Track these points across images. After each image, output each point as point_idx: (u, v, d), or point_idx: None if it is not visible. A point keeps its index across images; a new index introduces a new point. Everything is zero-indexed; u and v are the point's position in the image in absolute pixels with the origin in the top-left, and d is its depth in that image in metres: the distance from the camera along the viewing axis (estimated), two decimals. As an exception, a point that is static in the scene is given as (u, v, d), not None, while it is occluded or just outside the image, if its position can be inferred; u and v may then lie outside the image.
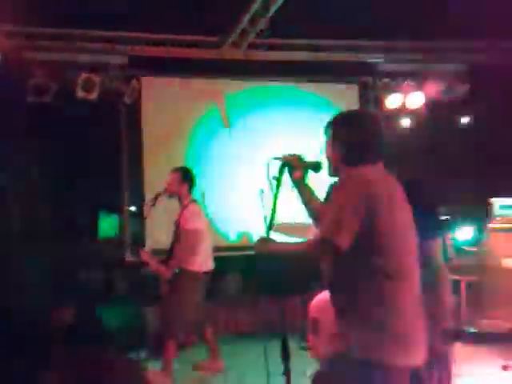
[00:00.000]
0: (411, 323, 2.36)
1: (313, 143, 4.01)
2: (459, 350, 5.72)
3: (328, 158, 2.58)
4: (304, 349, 3.71)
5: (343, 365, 2.36)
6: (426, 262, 2.94)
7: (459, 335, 3.31)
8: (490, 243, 6.86)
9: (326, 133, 2.60)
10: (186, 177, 5.31)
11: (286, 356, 2.65)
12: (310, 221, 2.74)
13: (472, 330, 6.39)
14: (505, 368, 5.23)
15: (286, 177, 2.73)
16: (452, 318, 3.28)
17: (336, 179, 2.57)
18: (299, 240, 2.66)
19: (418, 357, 2.37)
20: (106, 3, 5.72)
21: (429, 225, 3.01)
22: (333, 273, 2.45)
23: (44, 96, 6.66)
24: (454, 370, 3.35)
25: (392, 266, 2.32)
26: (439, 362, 3.25)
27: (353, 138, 2.48)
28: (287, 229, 5.45)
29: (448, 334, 3.19)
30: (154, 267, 5.23)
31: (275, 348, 2.71)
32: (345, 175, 2.48)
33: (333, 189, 2.55)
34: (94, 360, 2.39)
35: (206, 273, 5.28)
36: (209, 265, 5.33)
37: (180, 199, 5.30)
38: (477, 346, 6.06)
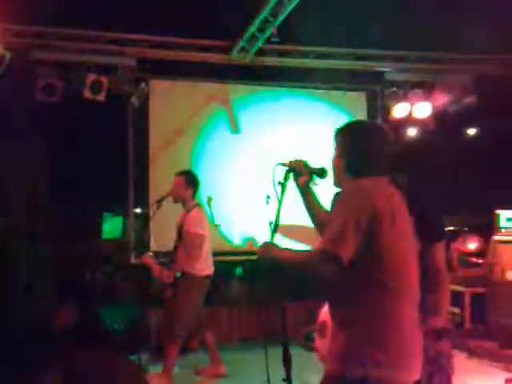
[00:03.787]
0: (410, 337, 2.34)
1: (320, 149, 3.99)
2: (462, 363, 5.71)
3: (333, 165, 2.57)
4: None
5: None
6: (426, 265, 2.93)
7: (450, 333, 3.27)
8: (495, 255, 6.84)
9: (333, 141, 2.59)
10: (190, 181, 5.30)
11: (287, 362, 2.63)
12: (313, 226, 2.73)
13: (475, 342, 6.35)
14: (509, 382, 5.18)
15: (291, 182, 2.73)
16: (446, 320, 3.26)
17: (340, 189, 2.55)
18: (303, 247, 2.65)
19: (416, 371, 2.35)
20: (116, 5, 5.74)
21: (428, 228, 3.00)
22: (332, 285, 2.42)
23: (52, 96, 6.67)
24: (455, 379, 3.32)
25: (392, 278, 2.30)
26: (438, 370, 3.22)
27: (357, 148, 2.47)
28: (291, 232, 5.44)
29: (440, 333, 3.16)
30: (157, 271, 5.22)
31: (277, 354, 2.70)
32: (348, 186, 2.46)
33: (336, 198, 2.52)
34: (95, 362, 2.38)
35: (207, 276, 5.28)
36: (210, 269, 5.32)
37: (184, 203, 5.30)
38: (480, 359, 6.03)
